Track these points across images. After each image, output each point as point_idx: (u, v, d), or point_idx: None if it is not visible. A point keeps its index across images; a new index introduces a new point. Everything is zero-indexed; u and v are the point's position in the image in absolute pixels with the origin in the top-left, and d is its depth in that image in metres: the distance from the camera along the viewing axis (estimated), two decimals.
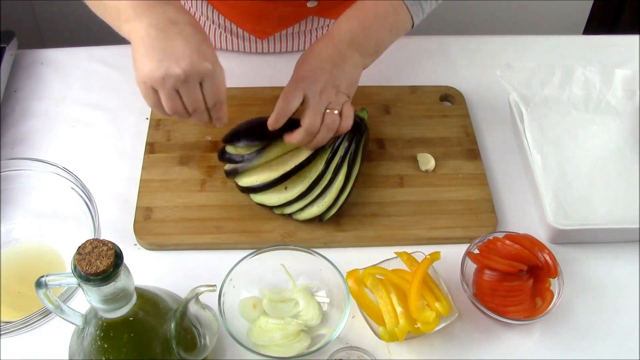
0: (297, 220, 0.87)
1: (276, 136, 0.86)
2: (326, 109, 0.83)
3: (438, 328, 0.76)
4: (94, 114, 1.01)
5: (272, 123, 0.84)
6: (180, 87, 0.73)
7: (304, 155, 0.86)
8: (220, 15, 1.06)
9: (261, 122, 0.86)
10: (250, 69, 1.08)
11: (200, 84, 0.74)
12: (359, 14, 0.89)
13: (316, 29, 1.09)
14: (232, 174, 0.89)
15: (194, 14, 1.09)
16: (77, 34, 1.77)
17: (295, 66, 0.88)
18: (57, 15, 1.77)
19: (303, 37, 1.09)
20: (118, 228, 0.87)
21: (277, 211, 0.87)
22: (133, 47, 0.74)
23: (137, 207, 0.88)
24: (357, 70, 0.88)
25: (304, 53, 0.89)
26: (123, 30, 0.77)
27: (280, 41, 1.09)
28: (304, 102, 0.84)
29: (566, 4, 1.86)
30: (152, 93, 0.75)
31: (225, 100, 0.77)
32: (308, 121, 0.83)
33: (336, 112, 0.83)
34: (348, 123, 0.84)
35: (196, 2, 1.06)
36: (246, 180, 0.88)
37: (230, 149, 0.89)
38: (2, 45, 1.02)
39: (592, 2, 1.87)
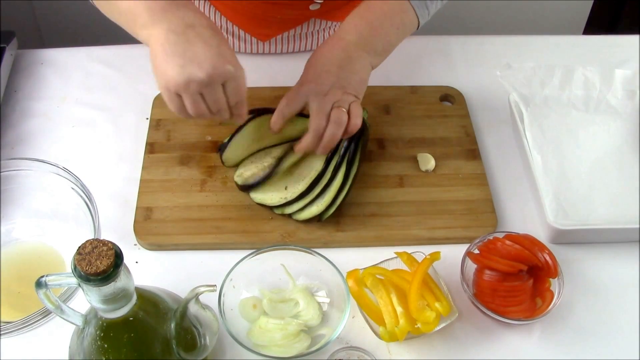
0: (297, 221, 0.87)
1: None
2: (332, 108, 0.83)
3: (438, 328, 0.76)
4: (94, 114, 1.01)
5: (272, 124, 0.85)
6: (204, 91, 0.73)
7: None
8: (222, 17, 1.06)
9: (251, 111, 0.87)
10: (250, 69, 1.06)
11: (223, 85, 0.74)
12: (366, 13, 0.89)
13: (318, 31, 1.09)
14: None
15: None
16: (77, 34, 1.77)
17: (303, 69, 0.88)
18: (57, 15, 1.77)
19: (305, 39, 1.09)
20: (118, 228, 0.87)
21: (278, 211, 0.87)
22: (152, 53, 0.74)
23: (137, 207, 0.88)
24: (365, 70, 0.87)
25: (311, 56, 0.89)
26: (140, 35, 0.77)
27: (282, 43, 1.09)
28: (309, 107, 0.84)
29: (566, 4, 1.86)
30: (176, 98, 0.75)
31: (245, 98, 0.78)
32: (313, 122, 0.83)
33: (344, 110, 0.83)
34: (357, 122, 0.83)
35: (198, 4, 1.06)
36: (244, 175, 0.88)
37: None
38: (2, 45, 1.02)
39: (592, 2, 1.87)
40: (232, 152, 0.89)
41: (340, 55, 0.86)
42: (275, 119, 0.84)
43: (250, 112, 0.87)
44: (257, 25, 1.06)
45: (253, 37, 1.08)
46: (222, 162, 0.90)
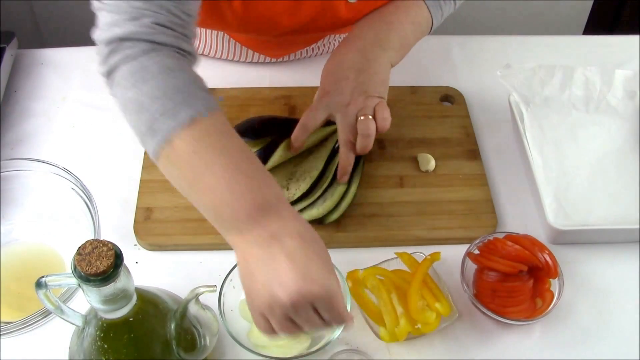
0: None
1: (275, 135, 0.86)
2: (358, 117, 0.82)
3: (438, 329, 0.76)
4: (94, 114, 1.01)
5: (294, 139, 0.84)
6: (291, 315, 0.65)
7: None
8: (231, 40, 1.04)
9: (262, 121, 0.86)
10: (250, 70, 1.08)
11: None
12: (381, 10, 0.88)
13: (330, 41, 1.07)
14: None
15: (200, 34, 1.04)
16: (77, 34, 1.77)
17: (320, 77, 0.87)
18: (57, 15, 1.77)
19: (316, 49, 1.08)
20: (118, 228, 0.87)
21: None
22: (239, 264, 0.68)
23: (137, 208, 0.88)
24: (384, 69, 0.86)
25: (327, 62, 0.87)
26: (225, 237, 0.69)
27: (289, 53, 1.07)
28: (334, 119, 0.84)
29: (566, 4, 1.86)
30: (262, 319, 0.67)
31: (345, 305, 0.67)
32: (342, 137, 0.83)
33: (370, 117, 0.82)
34: (384, 124, 0.82)
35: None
36: None
37: None
38: (2, 45, 1.02)
39: (592, 2, 1.87)
40: None
41: (357, 59, 0.85)
42: (298, 134, 0.84)
43: (266, 131, 0.86)
44: (269, 48, 1.03)
45: (266, 57, 1.06)
46: None
